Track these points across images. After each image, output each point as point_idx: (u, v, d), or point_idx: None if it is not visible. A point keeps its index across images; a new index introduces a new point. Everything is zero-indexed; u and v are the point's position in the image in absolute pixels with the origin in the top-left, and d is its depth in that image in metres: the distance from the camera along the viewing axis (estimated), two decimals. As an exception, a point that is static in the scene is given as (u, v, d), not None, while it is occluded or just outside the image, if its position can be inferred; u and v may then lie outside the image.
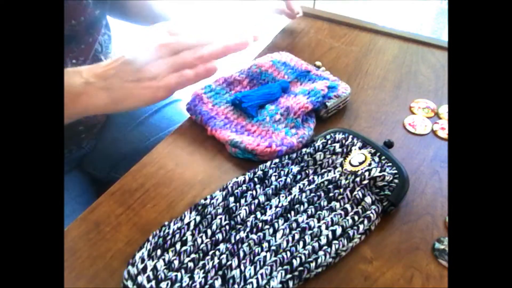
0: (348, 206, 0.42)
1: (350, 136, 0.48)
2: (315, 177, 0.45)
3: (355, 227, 0.41)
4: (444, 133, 0.55)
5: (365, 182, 0.43)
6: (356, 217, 0.41)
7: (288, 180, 0.45)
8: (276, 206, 0.42)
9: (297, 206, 0.42)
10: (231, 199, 0.42)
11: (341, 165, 0.46)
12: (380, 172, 0.43)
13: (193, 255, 0.38)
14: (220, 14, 0.59)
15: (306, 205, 0.43)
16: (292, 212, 0.42)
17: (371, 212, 0.42)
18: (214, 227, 0.40)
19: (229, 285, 0.36)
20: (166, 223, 0.40)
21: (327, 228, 0.40)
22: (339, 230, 0.40)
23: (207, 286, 0.36)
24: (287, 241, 0.39)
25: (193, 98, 0.56)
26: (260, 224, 0.40)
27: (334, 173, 0.45)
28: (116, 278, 0.37)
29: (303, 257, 0.38)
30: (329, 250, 0.39)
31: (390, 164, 0.44)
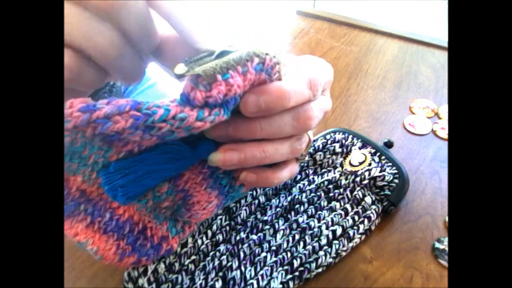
0: (348, 206, 0.42)
1: (350, 136, 0.48)
2: (315, 177, 0.45)
3: (355, 227, 0.41)
4: (444, 133, 0.55)
5: (365, 182, 0.43)
6: (356, 217, 0.41)
7: (288, 180, 0.45)
8: (276, 206, 0.42)
9: (297, 206, 0.42)
10: (231, 199, 0.42)
11: (341, 165, 0.46)
12: (380, 172, 0.43)
13: (193, 257, 0.38)
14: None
15: (306, 205, 0.43)
16: (292, 212, 0.42)
17: (371, 212, 0.42)
18: (214, 227, 0.40)
19: (229, 286, 0.36)
20: (166, 223, 0.40)
21: (327, 228, 0.40)
22: (339, 230, 0.40)
23: (207, 287, 0.36)
24: (288, 242, 0.39)
25: None
26: (260, 225, 0.40)
27: (334, 173, 0.45)
28: (116, 278, 0.37)
29: (303, 257, 0.38)
30: (329, 250, 0.39)
31: (390, 164, 0.44)
